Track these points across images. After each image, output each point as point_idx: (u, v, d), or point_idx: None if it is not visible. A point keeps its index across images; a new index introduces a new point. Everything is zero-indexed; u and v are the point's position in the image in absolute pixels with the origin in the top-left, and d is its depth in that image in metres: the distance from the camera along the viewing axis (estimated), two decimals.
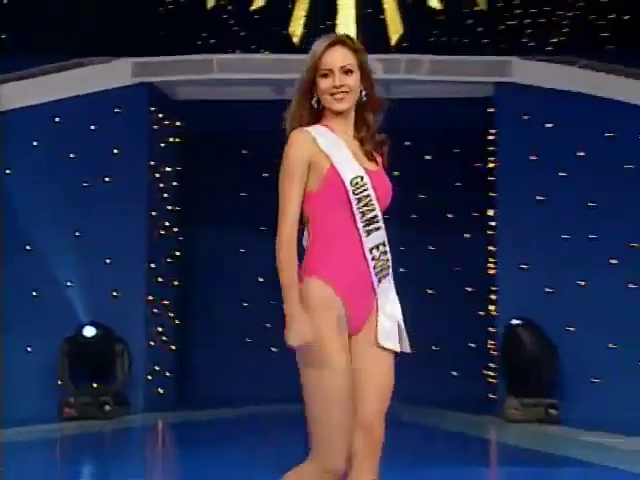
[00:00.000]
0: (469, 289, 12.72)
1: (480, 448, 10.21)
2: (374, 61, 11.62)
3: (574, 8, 12.33)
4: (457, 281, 12.78)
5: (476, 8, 12.12)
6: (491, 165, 11.88)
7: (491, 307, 11.99)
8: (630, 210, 10.66)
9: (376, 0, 12.14)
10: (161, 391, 11.81)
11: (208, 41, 12.48)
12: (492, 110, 11.64)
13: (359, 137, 4.39)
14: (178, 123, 12.38)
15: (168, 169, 12.21)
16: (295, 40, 12.21)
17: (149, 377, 11.59)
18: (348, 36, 4.37)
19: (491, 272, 11.96)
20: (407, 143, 12.43)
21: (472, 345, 12.65)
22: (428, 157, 12.68)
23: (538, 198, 11.04)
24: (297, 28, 12.24)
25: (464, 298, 12.74)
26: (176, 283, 12.44)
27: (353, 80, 4.28)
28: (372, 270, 4.32)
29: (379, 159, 4.42)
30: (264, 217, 12.85)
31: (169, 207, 12.28)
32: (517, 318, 11.22)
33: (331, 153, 4.29)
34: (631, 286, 10.40)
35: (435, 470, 8.37)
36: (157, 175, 11.95)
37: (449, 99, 11.90)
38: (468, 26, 12.24)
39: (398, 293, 4.28)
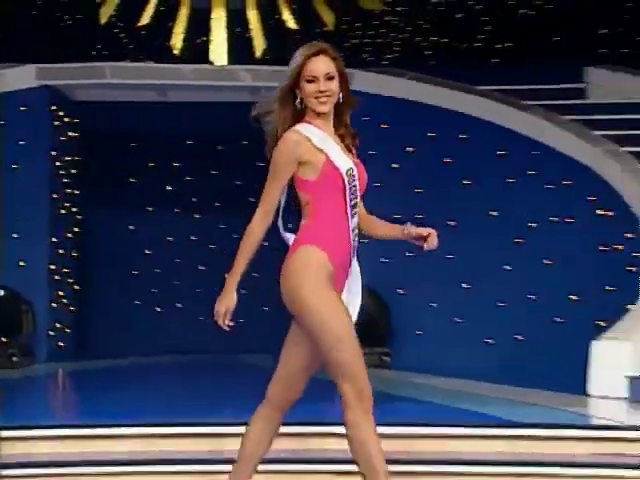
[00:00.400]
0: None
1: (328, 387, 10.43)
2: (243, 71, 11.84)
3: (404, 31, 12.61)
4: None
5: (325, 28, 12.27)
6: None
7: None
8: (448, 195, 10.76)
9: (244, 21, 12.20)
10: (61, 344, 11.78)
11: (102, 51, 12.44)
12: None
13: (338, 133, 4.32)
14: (76, 120, 12.31)
15: (68, 159, 12.13)
16: (175, 52, 12.21)
17: (51, 333, 11.55)
18: (328, 46, 4.28)
19: None
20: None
21: None
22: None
23: (375, 184, 11.08)
24: (177, 42, 12.25)
25: None
26: (75, 254, 12.38)
27: (335, 85, 4.22)
28: (352, 248, 4.29)
29: (354, 151, 4.36)
30: (150, 200, 13.05)
31: (68, 191, 12.22)
32: None
33: (325, 148, 4.20)
34: (448, 256, 10.52)
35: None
36: (58, 164, 11.88)
37: None
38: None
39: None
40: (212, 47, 12.17)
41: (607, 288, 9.40)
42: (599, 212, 9.79)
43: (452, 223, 10.54)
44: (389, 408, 8.43)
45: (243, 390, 9.53)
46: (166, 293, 12.95)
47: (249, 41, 12.16)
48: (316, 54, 4.19)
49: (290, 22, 12.24)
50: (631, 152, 9.99)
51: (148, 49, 12.33)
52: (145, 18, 12.21)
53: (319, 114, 4.24)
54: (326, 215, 4.24)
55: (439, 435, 6.58)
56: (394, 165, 11.10)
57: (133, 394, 8.77)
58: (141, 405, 7.85)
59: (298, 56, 4.22)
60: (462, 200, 10.60)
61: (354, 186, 4.24)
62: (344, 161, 4.24)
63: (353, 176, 4.24)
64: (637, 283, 9.01)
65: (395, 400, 8.75)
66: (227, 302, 4.39)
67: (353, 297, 4.31)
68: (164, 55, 12.09)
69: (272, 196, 4.24)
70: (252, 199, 15.02)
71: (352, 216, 4.27)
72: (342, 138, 4.31)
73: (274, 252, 14.41)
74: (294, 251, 4.22)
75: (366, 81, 11.18)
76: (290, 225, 4.41)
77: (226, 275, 4.38)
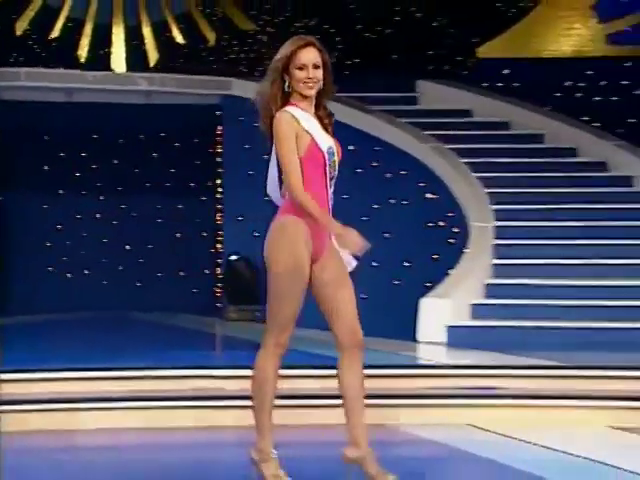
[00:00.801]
0: (204, 234, 12.69)
1: (211, 337, 10.61)
2: (139, 77, 11.93)
3: (273, 48, 12.75)
4: (197, 228, 12.73)
5: (208, 44, 12.37)
6: (219, 150, 12.01)
7: (218, 246, 12.21)
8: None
9: (139, 36, 12.23)
10: None
11: (18, 58, 12.33)
12: (219, 113, 11.80)
13: (317, 114, 4.20)
14: None
15: None
16: (82, 60, 12.15)
17: None
18: (315, 40, 4.19)
19: (219, 222, 12.13)
20: (162, 133, 12.45)
21: (207, 272, 12.67)
22: (177, 144, 12.70)
23: (249, 172, 11.17)
24: (83, 52, 12.17)
25: (200, 239, 12.75)
26: None
27: (320, 73, 4.14)
28: (330, 212, 4.19)
29: (330, 129, 4.25)
30: (61, 184, 13.03)
31: None
32: (234, 254, 11.56)
33: (310, 129, 4.13)
34: None
35: (178, 350, 8.49)
36: None
37: (194, 105, 11.90)
38: (203, 56, 12.46)
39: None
40: (113, 57, 12.18)
41: (433, 257, 9.63)
42: (427, 196, 9.95)
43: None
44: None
45: (141, 340, 9.79)
46: (75, 262, 12.93)
47: (144, 52, 12.19)
48: (305, 45, 4.13)
49: (178, 37, 12.31)
50: (452, 149, 10.24)
51: (58, 57, 12.22)
52: (55, 31, 12.16)
53: (305, 97, 4.15)
54: (308, 187, 4.13)
55: (297, 375, 6.48)
56: (264, 156, 11.18)
57: (47, 343, 8.84)
58: (53, 352, 7.92)
59: (288, 46, 4.15)
60: None
61: (333, 161, 4.19)
62: (325, 140, 4.18)
63: (332, 153, 4.18)
64: (455, 253, 9.21)
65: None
66: (349, 231, 4.16)
67: (342, 251, 4.27)
68: (72, 63, 12.02)
69: (295, 161, 4.11)
70: (148, 184, 15.06)
71: (330, 186, 4.21)
72: (320, 119, 4.21)
73: (164, 229, 14.46)
74: (278, 220, 4.20)
75: (242, 87, 11.27)
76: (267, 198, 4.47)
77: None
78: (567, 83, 11.72)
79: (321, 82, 4.17)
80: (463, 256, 9.10)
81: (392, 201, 10.20)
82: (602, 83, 11.66)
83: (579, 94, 11.71)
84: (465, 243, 9.24)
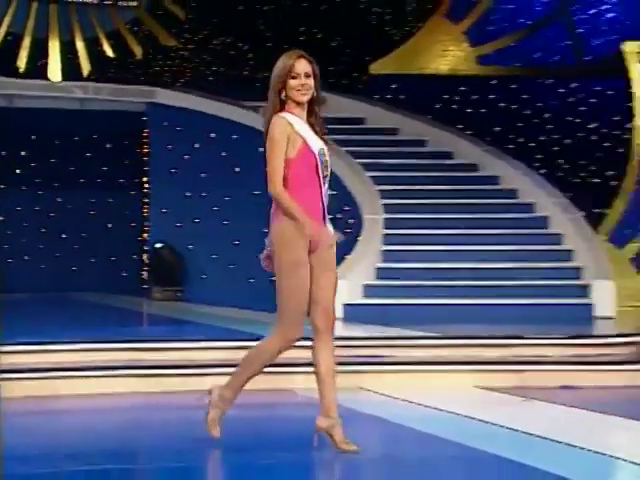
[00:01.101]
0: (132, 224, 12.59)
1: (139, 316, 10.54)
2: (73, 86, 11.74)
3: (193, 62, 12.73)
4: (126, 219, 12.66)
5: (136, 58, 12.28)
6: (146, 150, 11.89)
7: (145, 235, 12.11)
8: (224, 178, 10.68)
9: (73, 49, 12.05)
10: None
11: None
12: (145, 119, 11.66)
13: (310, 121, 4.12)
14: None
15: None
16: (20, 70, 11.92)
17: None
18: (305, 53, 4.15)
19: (145, 214, 12.04)
20: (94, 135, 12.28)
21: (135, 257, 12.60)
22: (108, 145, 12.53)
23: (172, 170, 11.16)
24: (22, 63, 11.99)
25: (129, 229, 12.67)
26: None
27: (311, 82, 4.08)
28: (325, 209, 4.13)
29: (321, 134, 4.16)
30: (3, 180, 12.70)
31: None
32: (159, 242, 11.47)
33: (303, 133, 4.06)
34: (224, 222, 10.51)
35: (113, 325, 8.56)
36: None
37: (123, 111, 11.74)
38: (130, 68, 12.34)
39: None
40: (50, 67, 11.99)
41: None
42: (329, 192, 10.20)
43: (227, 198, 10.61)
44: (183, 329, 8.77)
45: (78, 317, 9.69)
46: (16, 249, 12.71)
47: (78, 64, 12.03)
48: (298, 58, 4.10)
49: (109, 51, 12.19)
50: (348, 151, 10.23)
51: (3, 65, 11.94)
52: None
53: (298, 104, 4.08)
54: (302, 185, 4.07)
55: (215, 347, 6.58)
56: (185, 156, 11.07)
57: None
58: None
59: (286, 59, 4.10)
60: (233, 182, 10.55)
61: (325, 161, 4.10)
62: (316, 143, 4.10)
63: (323, 154, 4.10)
64: (351, 241, 9.16)
65: (184, 324, 9.04)
66: (321, 232, 4.07)
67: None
68: (12, 72, 11.76)
69: (279, 165, 4.01)
70: (82, 180, 14.64)
71: (324, 184, 4.11)
72: (312, 125, 4.12)
73: (96, 220, 14.16)
74: (279, 224, 4.08)
75: (166, 96, 11.28)
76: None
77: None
78: (445, 96, 11.98)
79: (313, 90, 4.11)
80: (357, 243, 9.20)
81: None
82: (473, 97, 11.96)
83: (455, 106, 11.98)
84: (359, 232, 9.34)
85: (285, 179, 4.07)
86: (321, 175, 4.10)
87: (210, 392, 4.25)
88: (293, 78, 4.07)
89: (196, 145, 11.09)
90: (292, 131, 4.05)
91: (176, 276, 11.22)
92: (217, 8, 12.62)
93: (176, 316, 9.86)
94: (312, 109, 4.13)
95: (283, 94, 4.08)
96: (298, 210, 4.03)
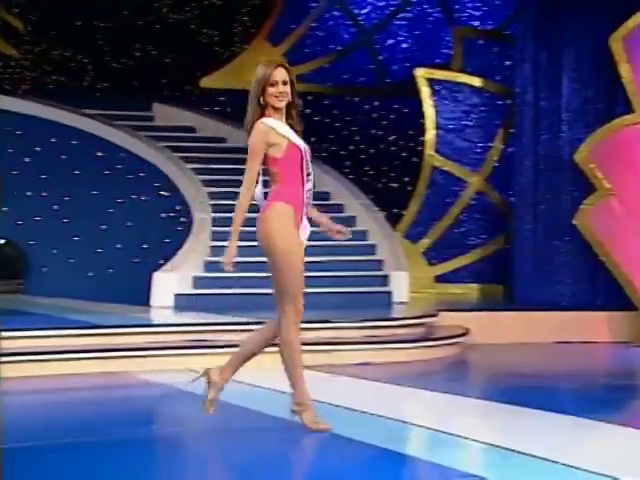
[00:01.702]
0: None
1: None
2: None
3: (34, 71, 12.14)
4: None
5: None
6: None
7: None
8: (67, 179, 10.27)
9: None
10: None
11: None
12: None
13: (290, 123, 4.07)
14: None
15: None
16: None
17: None
18: (283, 61, 4.26)
19: None
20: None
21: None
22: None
23: (13, 172, 10.31)
24: None
25: None
26: None
27: (288, 89, 4.03)
28: (304, 203, 4.06)
29: (300, 135, 4.10)
30: None
31: None
32: (2, 238, 11.01)
33: (285, 133, 4.00)
34: (64, 220, 10.14)
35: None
36: None
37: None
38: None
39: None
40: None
41: (165, 240, 9.51)
42: (161, 193, 9.84)
43: (67, 198, 10.29)
44: (26, 319, 8.35)
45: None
46: None
47: None
48: (277, 67, 4.04)
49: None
50: (180, 157, 10.27)
51: None
52: None
53: (276, 109, 4.03)
54: (289, 181, 4.02)
55: (59, 335, 6.45)
56: (26, 159, 10.53)
57: None
58: None
59: (264, 68, 4.04)
60: (73, 183, 10.26)
61: (308, 159, 4.06)
62: (301, 143, 4.07)
63: (307, 153, 4.07)
64: (182, 237, 9.23)
65: (27, 314, 8.62)
66: (232, 253, 4.07)
67: (305, 228, 4.12)
68: None
69: (253, 172, 3.98)
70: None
71: (307, 181, 4.07)
72: (292, 126, 4.08)
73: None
74: (269, 206, 4.03)
75: (8, 103, 10.64)
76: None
77: None
78: None
79: (289, 96, 4.06)
80: (188, 240, 9.14)
81: (133, 197, 10.05)
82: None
83: None
84: (190, 230, 9.28)
85: (275, 176, 4.04)
86: (304, 172, 4.06)
87: (207, 374, 4.19)
88: (271, 85, 4.02)
89: (37, 148, 10.59)
90: (275, 134, 4.02)
91: (18, 269, 10.83)
92: (56, 22, 12.13)
93: (18, 307, 9.39)
94: (290, 112, 4.10)
95: (262, 101, 4.03)
96: (235, 226, 4.05)
